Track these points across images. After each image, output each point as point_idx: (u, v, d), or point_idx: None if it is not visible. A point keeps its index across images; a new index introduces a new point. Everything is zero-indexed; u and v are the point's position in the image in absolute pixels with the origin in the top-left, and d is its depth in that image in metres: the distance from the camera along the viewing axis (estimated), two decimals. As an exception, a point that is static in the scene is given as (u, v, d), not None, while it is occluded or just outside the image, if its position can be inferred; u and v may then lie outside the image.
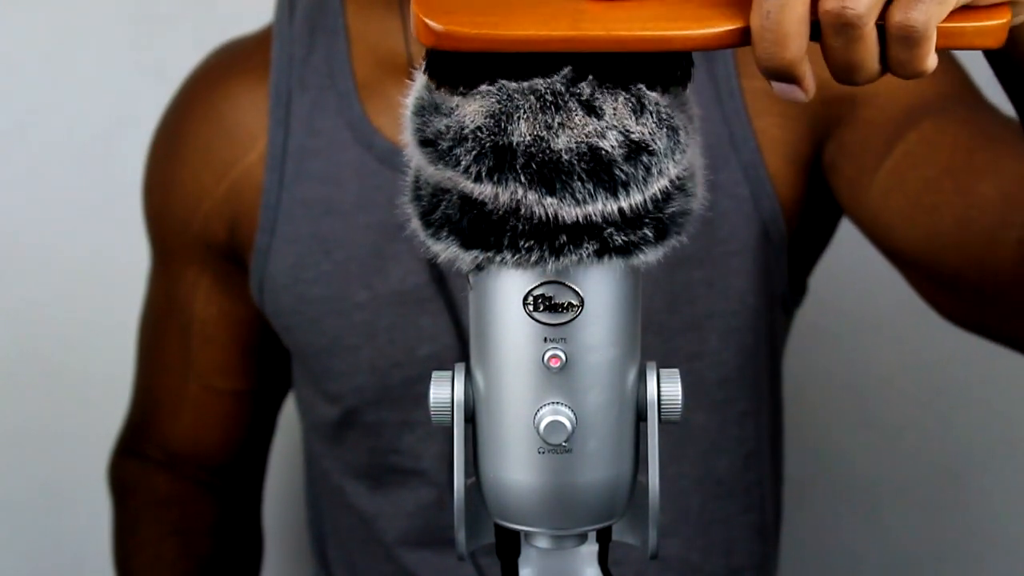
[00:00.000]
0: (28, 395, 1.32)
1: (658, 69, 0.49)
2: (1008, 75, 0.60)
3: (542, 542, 0.57)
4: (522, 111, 0.48)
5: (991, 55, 0.59)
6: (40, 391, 1.32)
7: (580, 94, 0.48)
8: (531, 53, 0.48)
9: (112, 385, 1.18)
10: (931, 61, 0.49)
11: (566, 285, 0.51)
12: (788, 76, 0.49)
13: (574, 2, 0.48)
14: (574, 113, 0.48)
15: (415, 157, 0.51)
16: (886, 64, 0.50)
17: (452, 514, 0.55)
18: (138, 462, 1.06)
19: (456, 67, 0.49)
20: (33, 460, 1.33)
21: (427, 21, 0.47)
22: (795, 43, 0.48)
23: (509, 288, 0.51)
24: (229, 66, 0.97)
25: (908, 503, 1.35)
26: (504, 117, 0.48)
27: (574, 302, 0.51)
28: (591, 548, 0.58)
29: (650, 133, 0.49)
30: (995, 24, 0.49)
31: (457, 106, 0.49)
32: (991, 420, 1.31)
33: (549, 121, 0.48)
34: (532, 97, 0.48)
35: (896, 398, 1.33)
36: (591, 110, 0.48)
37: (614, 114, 0.48)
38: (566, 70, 0.48)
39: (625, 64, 0.49)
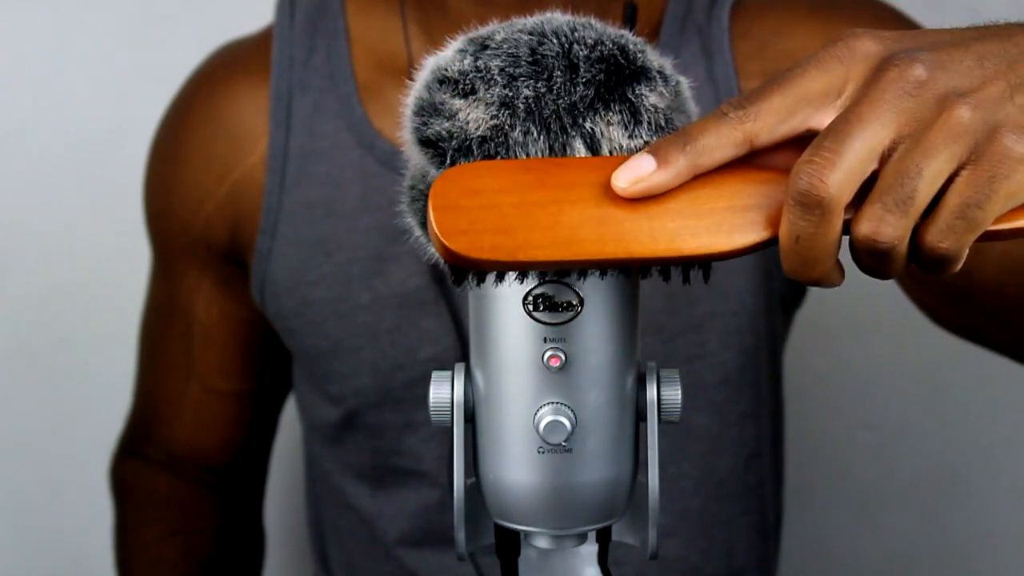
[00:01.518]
0: (28, 395, 1.32)
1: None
2: None
3: (542, 542, 0.57)
4: (526, 137, 0.49)
5: None
6: (40, 391, 1.32)
7: (582, 128, 0.49)
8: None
9: (112, 385, 1.18)
10: (958, 267, 0.49)
11: (566, 285, 0.51)
12: (815, 285, 0.49)
13: (596, 204, 0.47)
14: (574, 140, 0.49)
15: (415, 157, 0.51)
16: (917, 259, 0.49)
17: (453, 514, 0.55)
18: (139, 463, 1.06)
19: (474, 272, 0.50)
20: (33, 460, 1.33)
21: (445, 243, 0.46)
22: (823, 266, 0.48)
23: (509, 288, 0.51)
24: (230, 67, 0.97)
25: (908, 503, 1.35)
26: (509, 130, 0.49)
27: (574, 302, 0.51)
28: (591, 548, 0.58)
29: (648, 141, 0.49)
30: None
31: (459, 111, 0.49)
32: (991, 420, 1.31)
33: (550, 143, 0.49)
34: (535, 128, 0.49)
35: (896, 398, 1.33)
36: (591, 142, 0.49)
37: (611, 139, 0.49)
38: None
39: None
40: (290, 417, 1.16)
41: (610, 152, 0.49)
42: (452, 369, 0.55)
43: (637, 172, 0.47)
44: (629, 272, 0.52)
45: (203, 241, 0.98)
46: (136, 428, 1.07)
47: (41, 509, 1.34)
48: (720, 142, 0.48)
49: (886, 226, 0.46)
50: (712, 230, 0.47)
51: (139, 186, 1.03)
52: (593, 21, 0.52)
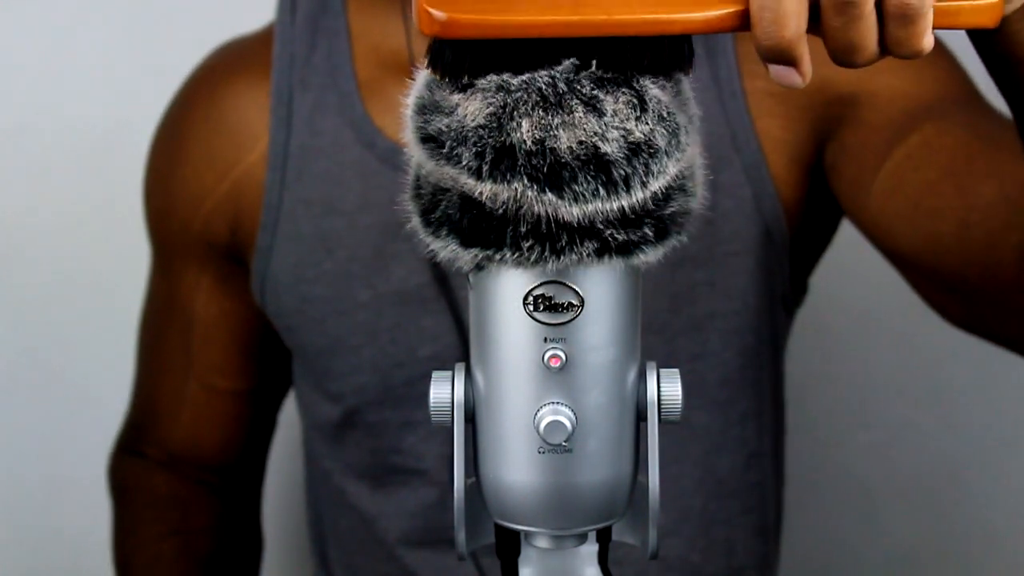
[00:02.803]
0: (28, 395, 1.32)
1: (660, 54, 0.50)
2: (1004, 76, 0.60)
3: (542, 542, 0.57)
4: (523, 110, 0.48)
5: (987, 54, 0.59)
6: (40, 391, 1.32)
7: (582, 92, 0.48)
8: (533, 41, 0.48)
9: (112, 385, 1.18)
10: (928, 40, 0.50)
11: (566, 285, 0.51)
12: (786, 57, 0.49)
13: None
14: (575, 112, 0.48)
15: (416, 154, 0.51)
16: (884, 45, 0.50)
17: (453, 514, 0.55)
18: (138, 462, 1.06)
19: (459, 58, 0.49)
20: (33, 460, 1.33)
21: (430, 10, 0.47)
22: (794, 22, 0.48)
23: (509, 288, 0.51)
24: (230, 65, 0.97)
25: (908, 503, 1.35)
26: (505, 116, 0.48)
27: (574, 302, 0.51)
28: (591, 548, 0.58)
29: (650, 133, 0.49)
30: (989, 3, 0.50)
31: (458, 104, 0.49)
32: (991, 420, 1.31)
33: (550, 121, 0.48)
34: (533, 95, 0.48)
35: (896, 398, 1.33)
36: (592, 109, 0.48)
37: (615, 113, 0.48)
38: (568, 63, 0.48)
39: (627, 49, 0.49)
40: (290, 417, 1.16)
41: (615, 126, 0.49)
42: (452, 369, 0.55)
43: None
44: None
45: (203, 239, 0.98)
46: (135, 426, 1.07)
47: (41, 509, 1.34)
48: None
49: None
50: (688, 1, 0.48)
51: (138, 185, 1.03)
52: None
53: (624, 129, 0.48)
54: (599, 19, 0.48)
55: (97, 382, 1.30)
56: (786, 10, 0.48)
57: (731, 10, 0.49)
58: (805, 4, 0.48)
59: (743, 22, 0.49)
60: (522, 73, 0.49)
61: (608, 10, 0.48)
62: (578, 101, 0.48)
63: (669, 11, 0.48)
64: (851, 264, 1.12)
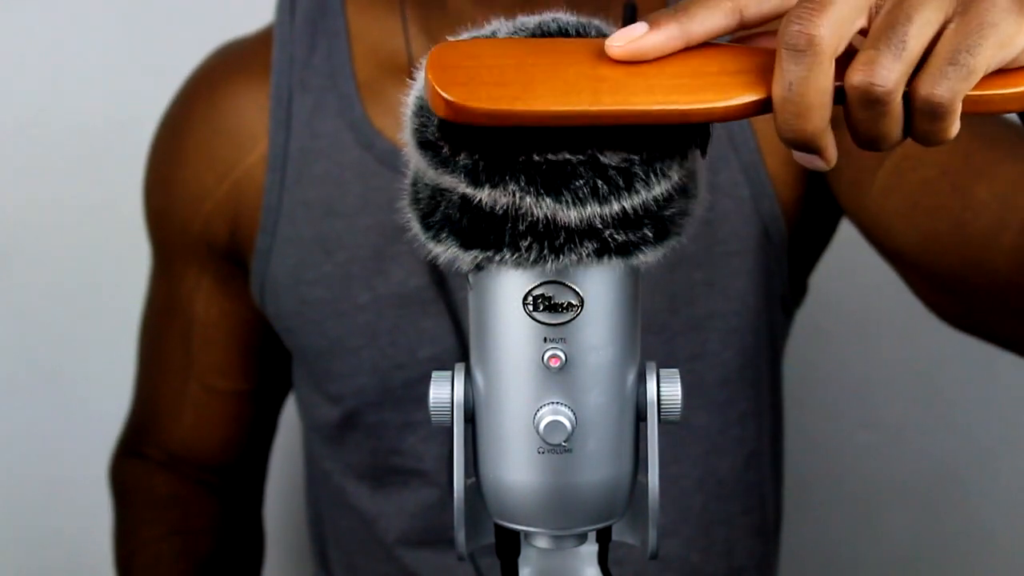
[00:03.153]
0: (28, 396, 1.32)
1: (678, 139, 0.49)
2: None
3: (542, 542, 0.57)
4: None
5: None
6: (40, 392, 1.32)
7: None
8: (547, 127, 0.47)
9: (112, 385, 1.18)
10: (954, 131, 0.49)
11: (566, 285, 0.51)
12: (810, 148, 0.49)
13: (592, 67, 0.47)
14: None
15: (414, 158, 0.51)
16: (908, 132, 0.50)
17: (453, 514, 0.55)
18: (139, 462, 1.06)
19: (471, 139, 0.48)
20: (33, 460, 1.33)
21: (442, 94, 0.46)
22: (818, 115, 0.47)
23: (509, 288, 0.51)
24: (230, 67, 0.97)
25: (908, 503, 1.35)
26: None
27: (574, 302, 0.51)
28: (591, 548, 0.58)
29: (648, 135, 0.49)
30: (1021, 91, 0.49)
31: None
32: (991, 420, 1.31)
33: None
34: None
35: (896, 398, 1.33)
36: None
37: None
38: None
39: (645, 135, 0.48)
40: (290, 417, 1.16)
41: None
42: (452, 369, 0.55)
43: (630, 35, 0.48)
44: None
45: (203, 240, 0.98)
46: (136, 427, 1.07)
47: (41, 509, 1.34)
48: (710, 11, 0.49)
49: (881, 68, 0.47)
50: (708, 89, 0.47)
51: (138, 186, 1.03)
52: (596, 21, 0.53)
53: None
54: (618, 109, 0.46)
55: (97, 382, 1.30)
56: (810, 103, 0.47)
57: (753, 99, 0.48)
58: (829, 96, 0.48)
59: (765, 108, 0.48)
60: (535, 155, 0.48)
61: (627, 99, 0.46)
62: None
63: (690, 100, 0.47)
64: (851, 264, 1.12)
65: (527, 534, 0.57)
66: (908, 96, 0.48)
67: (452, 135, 0.48)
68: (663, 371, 0.55)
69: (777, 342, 0.97)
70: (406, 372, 0.92)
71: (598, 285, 0.51)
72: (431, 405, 0.55)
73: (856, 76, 0.47)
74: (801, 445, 1.27)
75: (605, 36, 0.50)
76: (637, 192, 0.49)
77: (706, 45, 0.49)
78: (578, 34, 0.51)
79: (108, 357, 1.27)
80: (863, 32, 0.49)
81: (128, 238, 1.18)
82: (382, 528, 0.97)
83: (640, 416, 0.55)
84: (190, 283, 1.00)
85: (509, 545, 0.59)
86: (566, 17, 0.52)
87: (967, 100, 0.48)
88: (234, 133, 0.95)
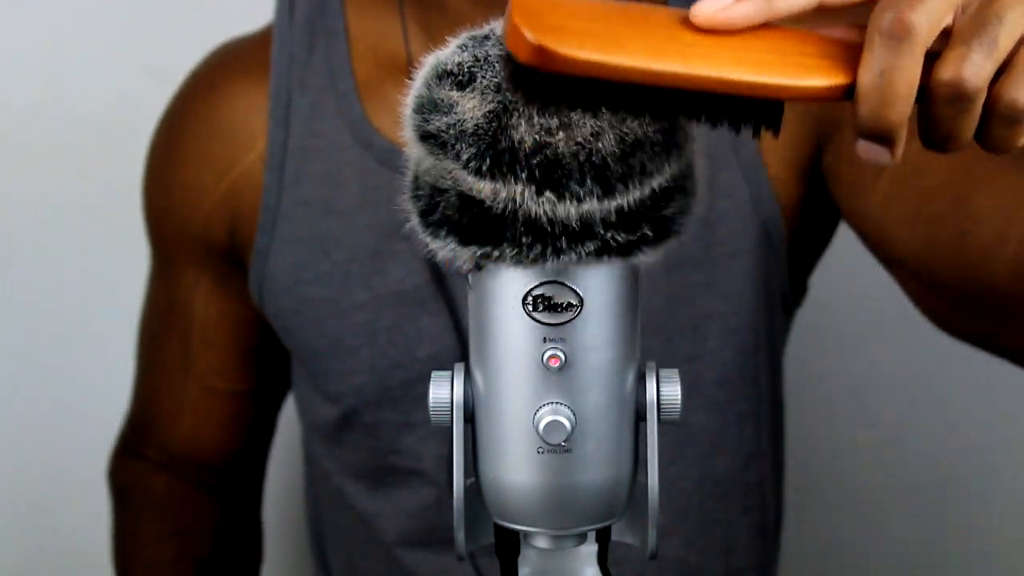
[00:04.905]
0: (28, 395, 1.32)
1: (753, 114, 0.48)
2: None
3: (541, 542, 0.57)
4: (521, 109, 0.48)
5: None
6: (40, 391, 1.32)
7: None
8: (629, 84, 0.45)
9: (112, 385, 1.18)
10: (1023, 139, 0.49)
11: (565, 285, 0.51)
12: (887, 138, 0.48)
13: (676, 30, 0.47)
14: (572, 113, 0.48)
15: (415, 152, 0.51)
16: (981, 138, 0.49)
17: (452, 514, 0.55)
18: (138, 463, 1.06)
19: (549, 88, 0.46)
20: (33, 460, 1.33)
21: (530, 38, 0.43)
22: (901, 105, 0.47)
23: (508, 288, 0.51)
24: (229, 66, 0.97)
25: (908, 503, 1.35)
26: (504, 115, 0.48)
27: (573, 302, 0.51)
28: (590, 548, 0.58)
29: (646, 131, 0.49)
30: None
31: (457, 103, 0.49)
32: (991, 420, 1.31)
33: (548, 121, 0.48)
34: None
35: (896, 398, 1.33)
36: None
37: (610, 113, 0.48)
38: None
39: (721, 106, 0.47)
40: (290, 417, 1.16)
41: (611, 125, 0.48)
42: (452, 369, 0.55)
43: (718, 3, 0.47)
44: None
45: (202, 240, 0.98)
46: (135, 428, 1.07)
47: (41, 509, 1.34)
48: None
49: (971, 66, 0.47)
50: (793, 68, 0.47)
51: (138, 185, 1.03)
52: None
53: (621, 129, 0.48)
54: (707, 75, 0.45)
55: (97, 382, 1.30)
56: (896, 92, 0.47)
57: (839, 83, 0.47)
58: (915, 88, 0.47)
59: (849, 94, 0.48)
60: (609, 113, 0.47)
61: (716, 66, 0.46)
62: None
63: (777, 75, 0.46)
64: (851, 264, 1.12)
65: (527, 534, 0.57)
66: (988, 99, 0.48)
67: (527, 83, 0.46)
68: (663, 371, 0.55)
69: (777, 342, 0.97)
70: (405, 371, 0.92)
71: (598, 285, 0.51)
72: (431, 405, 0.55)
73: (947, 71, 0.47)
74: (801, 445, 1.27)
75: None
76: (636, 186, 0.49)
77: (784, 28, 0.49)
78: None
79: (108, 357, 1.27)
80: (946, 32, 0.48)
81: (127, 238, 1.18)
82: (381, 528, 0.97)
83: (640, 416, 0.55)
84: (189, 283, 1.00)
85: (509, 545, 0.59)
86: None
87: None
88: (233, 132, 0.95)
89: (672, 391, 0.55)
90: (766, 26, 0.48)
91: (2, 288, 1.29)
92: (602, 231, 0.49)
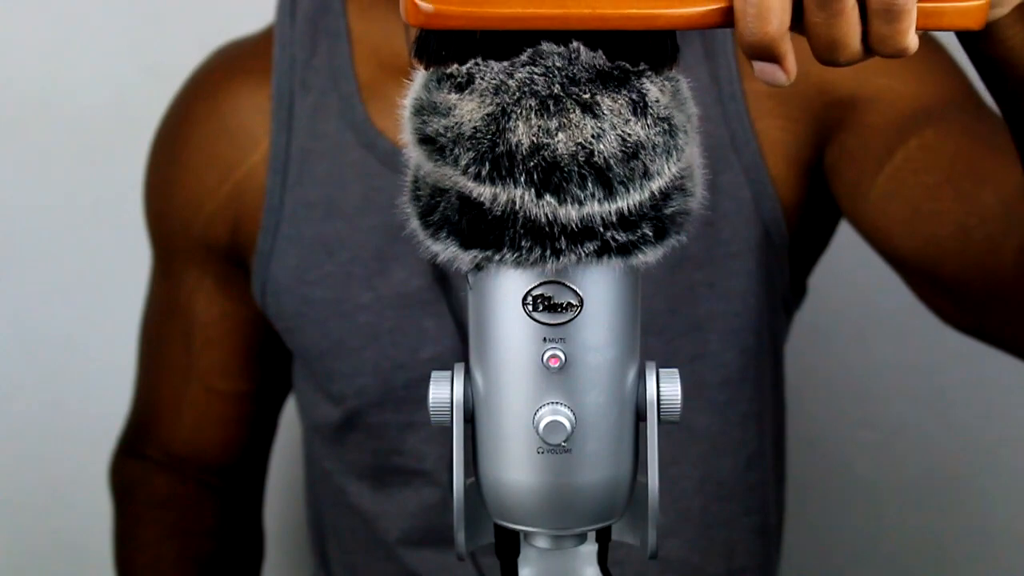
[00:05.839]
0: (28, 395, 1.32)
1: (643, 49, 0.50)
2: (993, 80, 0.60)
3: (542, 542, 0.57)
4: (520, 112, 0.48)
5: (976, 58, 0.59)
6: (40, 391, 1.32)
7: (579, 94, 0.48)
8: (516, 33, 0.49)
9: (112, 385, 1.18)
10: (912, 39, 0.50)
11: (566, 285, 0.51)
12: (770, 53, 0.49)
13: None
14: (572, 114, 0.48)
15: (414, 155, 0.51)
16: (868, 43, 0.50)
17: (453, 514, 0.55)
18: (139, 463, 1.06)
19: (443, 47, 0.50)
20: (33, 460, 1.33)
21: (417, 1, 0.48)
22: (777, 18, 0.48)
23: (508, 288, 0.51)
24: (231, 67, 0.98)
25: (909, 503, 1.35)
26: (502, 118, 0.48)
27: (573, 302, 0.51)
28: (591, 548, 0.58)
29: (647, 133, 0.49)
30: (975, 5, 0.50)
31: (455, 105, 0.49)
32: (991, 420, 1.31)
33: (547, 124, 0.48)
34: (530, 98, 0.48)
35: (896, 398, 1.33)
36: (589, 110, 0.48)
37: (612, 114, 0.48)
38: (558, 52, 0.49)
39: (610, 43, 0.49)
40: (290, 417, 1.16)
41: (612, 127, 0.49)
42: (452, 369, 0.55)
43: None
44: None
45: (204, 241, 0.98)
46: (136, 428, 1.07)
47: (41, 509, 1.35)
48: None
49: None
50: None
51: (139, 186, 1.03)
52: None
53: (622, 130, 0.48)
54: (583, 12, 0.48)
55: (97, 382, 1.30)
56: (769, 5, 0.48)
57: (715, 7, 0.49)
58: (789, 0, 0.48)
59: (727, 18, 0.49)
60: (505, 60, 0.49)
61: (592, 4, 0.48)
62: (575, 103, 0.48)
63: (653, 6, 0.48)
64: (851, 264, 1.12)
65: (527, 534, 0.57)
66: (864, 3, 0.49)
67: (427, 50, 0.50)
68: (663, 371, 0.55)
69: (778, 343, 0.97)
70: (407, 372, 0.92)
71: (598, 285, 0.52)
72: (431, 405, 0.55)
73: None
74: (801, 445, 1.27)
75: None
76: (637, 188, 0.49)
77: None
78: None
79: (108, 357, 1.27)
80: None
81: (128, 238, 1.18)
82: (383, 528, 0.97)
83: (640, 416, 0.55)
84: (191, 284, 1.00)
85: (509, 545, 0.59)
86: None
87: (922, 12, 0.49)
88: (235, 134, 0.95)
89: (672, 391, 0.55)
90: None
91: (2, 288, 1.29)
92: (602, 231, 0.49)
